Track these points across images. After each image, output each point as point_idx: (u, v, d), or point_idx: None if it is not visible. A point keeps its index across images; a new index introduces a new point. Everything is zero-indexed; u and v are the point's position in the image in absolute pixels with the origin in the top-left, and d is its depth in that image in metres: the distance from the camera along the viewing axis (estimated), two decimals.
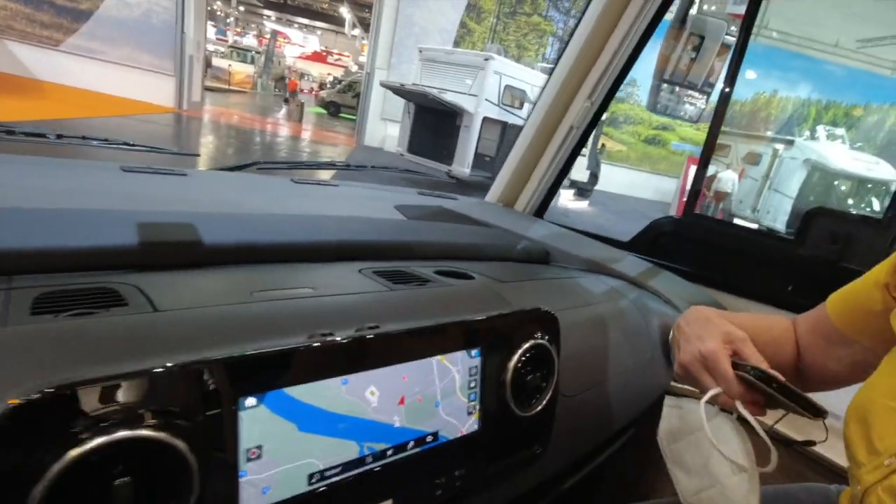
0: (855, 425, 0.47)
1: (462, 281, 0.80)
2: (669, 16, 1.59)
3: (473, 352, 0.54)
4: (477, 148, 8.86)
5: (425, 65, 9.54)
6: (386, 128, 12.43)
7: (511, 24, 12.43)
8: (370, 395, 0.46)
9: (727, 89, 1.55)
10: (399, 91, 8.97)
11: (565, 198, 9.59)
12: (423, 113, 9.29)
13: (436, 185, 1.95)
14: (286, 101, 17.84)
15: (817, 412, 0.46)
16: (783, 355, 0.63)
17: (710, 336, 0.54)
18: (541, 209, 1.69)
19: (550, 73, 1.58)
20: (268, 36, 27.36)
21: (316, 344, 0.42)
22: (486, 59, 8.72)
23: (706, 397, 0.51)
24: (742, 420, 0.51)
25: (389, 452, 0.48)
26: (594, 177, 10.06)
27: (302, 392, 0.41)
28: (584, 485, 0.92)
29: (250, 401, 0.39)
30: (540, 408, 0.60)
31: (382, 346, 0.47)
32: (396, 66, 12.00)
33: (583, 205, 9.83)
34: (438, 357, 0.51)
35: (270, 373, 0.40)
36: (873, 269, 0.57)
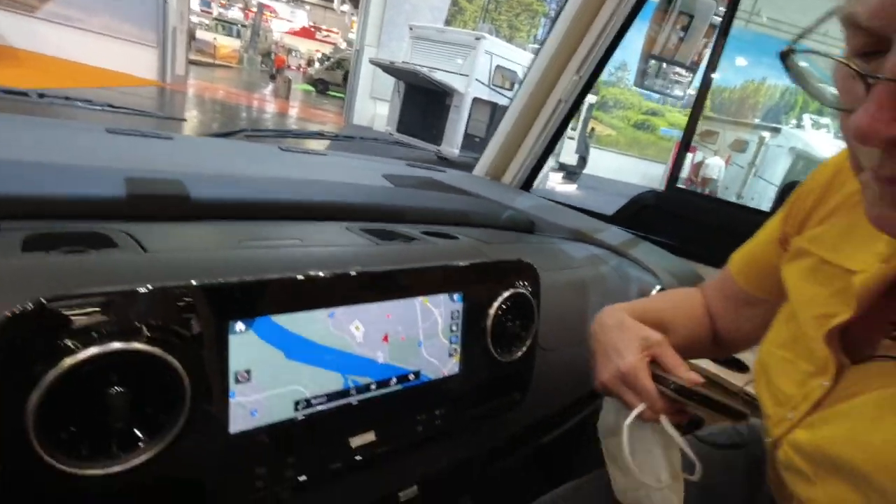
0: (760, 380, 0.48)
1: (447, 240, 0.82)
2: None
3: (456, 296, 0.56)
4: (467, 129, 8.81)
5: (416, 43, 9.39)
6: (375, 107, 12.28)
7: (503, 3, 12.27)
8: (355, 329, 0.48)
9: (710, 72, 1.57)
10: (389, 69, 8.84)
11: (554, 180, 9.62)
12: (412, 92, 9.19)
13: (425, 160, 1.95)
14: (272, 77, 17.50)
15: (739, 415, 0.46)
16: (701, 329, 0.63)
17: (626, 348, 0.51)
18: (528, 182, 1.71)
19: (541, 47, 1.58)
20: (254, 9, 26.66)
21: (302, 277, 0.44)
22: (478, 39, 8.62)
23: (629, 420, 0.49)
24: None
25: (373, 387, 0.50)
26: (583, 160, 10.09)
27: (289, 321, 0.43)
28: (564, 441, 0.96)
29: (240, 325, 0.40)
30: (519, 355, 0.63)
31: (367, 284, 0.49)
32: (386, 44, 11.81)
33: (571, 188, 9.87)
34: (422, 298, 0.53)
35: (259, 300, 0.41)
36: (767, 225, 0.57)
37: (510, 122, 1.65)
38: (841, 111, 0.31)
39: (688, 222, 1.51)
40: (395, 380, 0.52)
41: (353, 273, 0.48)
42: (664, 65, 1.62)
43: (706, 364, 1.14)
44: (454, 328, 0.57)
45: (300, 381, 0.44)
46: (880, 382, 0.37)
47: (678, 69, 1.66)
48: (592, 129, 12.32)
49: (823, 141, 9.56)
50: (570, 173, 10.07)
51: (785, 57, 0.32)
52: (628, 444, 0.49)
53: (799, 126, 10.35)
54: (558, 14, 1.50)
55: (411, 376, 0.53)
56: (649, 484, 0.50)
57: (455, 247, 0.79)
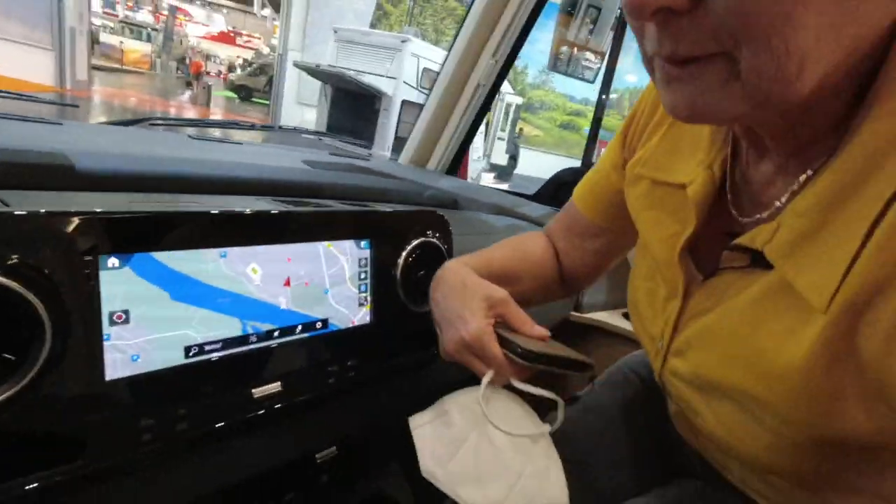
0: (634, 317, 0.49)
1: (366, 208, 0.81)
2: None
3: (362, 243, 0.55)
4: (397, 131, 8.79)
5: (341, 46, 9.26)
6: (302, 113, 11.96)
7: (428, 7, 12.41)
8: (252, 272, 0.45)
9: (613, 64, 1.67)
10: (314, 72, 8.65)
11: (486, 180, 9.83)
12: (340, 96, 9.04)
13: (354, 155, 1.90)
14: (189, 83, 16.57)
15: (584, 367, 0.46)
16: (548, 272, 0.62)
17: (470, 313, 0.47)
18: (452, 167, 1.73)
19: (457, 33, 1.61)
20: (165, 12, 25.15)
21: (187, 212, 0.41)
22: (404, 42, 8.63)
23: (482, 389, 0.45)
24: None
25: (276, 334, 0.48)
26: (513, 160, 10.39)
27: (173, 259, 0.40)
28: None
29: (112, 261, 0.37)
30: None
31: (262, 224, 0.47)
32: (311, 48, 11.57)
33: (503, 186, 10.12)
34: (325, 243, 0.51)
35: (135, 234, 0.38)
36: (606, 153, 0.57)
37: (432, 108, 1.67)
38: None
39: None
40: (300, 327, 0.50)
41: (247, 212, 0.46)
42: (575, 50, 1.71)
43: (600, 315, 1.18)
44: (363, 276, 0.56)
45: (190, 324, 0.42)
46: (728, 294, 0.37)
47: (589, 55, 1.75)
48: (521, 129, 12.73)
49: None
50: (503, 173, 10.32)
51: None
52: (489, 411, 0.45)
53: None
54: (470, 5, 1.54)
55: (319, 324, 0.52)
56: (523, 455, 0.45)
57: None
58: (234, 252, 0.44)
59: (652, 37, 0.30)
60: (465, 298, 0.49)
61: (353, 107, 8.87)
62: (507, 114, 10.05)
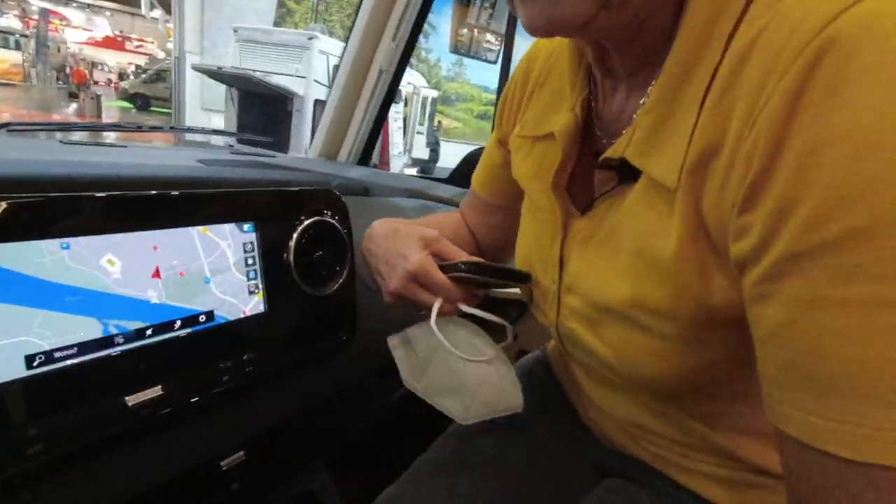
0: (527, 267, 0.50)
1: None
2: None
3: (246, 226, 0.51)
4: (313, 133, 8.52)
5: (244, 46, 8.79)
6: (210, 119, 11.24)
7: (334, 3, 12.10)
8: (108, 264, 0.40)
9: (509, 49, 1.71)
10: (217, 75, 8.16)
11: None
12: (249, 99, 8.59)
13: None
14: (74, 95, 15.05)
15: (524, 277, 0.49)
16: (467, 245, 0.65)
17: (409, 249, 0.50)
18: (364, 157, 1.69)
19: (354, 20, 1.57)
20: (35, 16, 22.56)
21: (10, 198, 0.36)
22: (311, 39, 8.34)
23: (433, 316, 0.48)
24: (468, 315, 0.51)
25: (149, 332, 0.43)
26: (434, 153, 10.43)
27: None
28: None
29: None
30: (335, 288, 0.60)
31: (116, 210, 0.42)
32: (210, 50, 10.89)
33: None
34: (199, 228, 0.47)
35: None
36: (491, 136, 0.60)
37: (336, 98, 1.61)
38: None
39: None
40: (179, 322, 0.45)
41: (97, 195, 0.40)
42: (476, 32, 1.73)
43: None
44: (250, 261, 0.51)
45: (30, 329, 0.36)
46: (608, 215, 0.40)
47: (489, 37, 1.78)
48: (439, 122, 12.81)
49: None
50: (425, 167, 10.35)
51: None
52: (444, 337, 0.48)
53: None
54: None
55: (203, 317, 0.47)
56: (481, 374, 0.49)
57: None
58: (80, 243, 0.39)
59: None
60: (400, 241, 0.51)
61: (264, 110, 8.45)
62: (424, 108, 10.05)
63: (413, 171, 10.12)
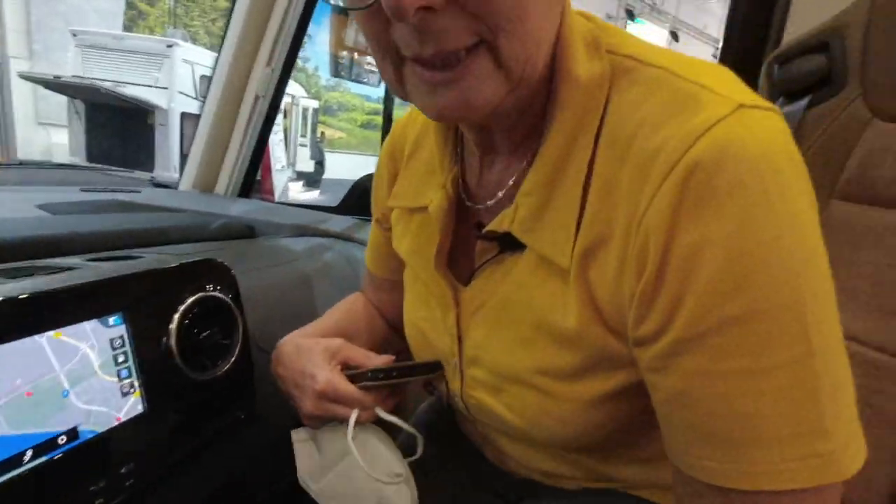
0: (423, 349, 0.50)
1: (121, 262, 0.66)
2: None
3: (111, 319, 0.44)
4: (182, 148, 7.80)
5: (88, 52, 7.76)
6: (49, 135, 9.74)
7: (194, 7, 11.18)
8: None
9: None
10: (53, 85, 7.11)
11: (295, 190, 9.38)
12: (98, 112, 7.61)
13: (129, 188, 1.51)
14: None
15: (435, 367, 0.48)
16: (378, 326, 0.64)
17: (314, 366, 0.49)
18: (245, 188, 1.57)
19: (222, 41, 1.46)
20: None
21: None
22: (171, 47, 7.64)
23: (350, 432, 0.47)
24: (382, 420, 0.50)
25: None
26: (320, 165, 10.14)
27: None
28: None
29: None
30: (228, 367, 0.54)
31: None
32: (43, 56, 9.44)
33: (314, 194, 9.79)
34: (50, 334, 0.39)
35: None
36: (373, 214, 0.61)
37: (208, 126, 1.49)
38: (363, 9, 0.30)
39: None
40: (30, 453, 0.37)
41: None
42: (356, 55, 1.69)
43: None
44: (122, 359, 0.45)
45: None
46: (494, 285, 0.41)
47: (370, 59, 1.76)
48: (323, 133, 12.46)
49: None
50: (311, 180, 10.00)
51: None
52: (361, 457, 0.46)
53: None
54: (233, 6, 1.40)
55: (62, 439, 0.40)
56: (387, 491, 0.47)
57: (128, 267, 0.64)
58: None
59: (409, 40, 0.30)
60: (304, 359, 0.50)
61: (118, 125, 7.53)
62: (305, 119, 9.71)
63: (299, 185, 9.69)
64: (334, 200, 1.61)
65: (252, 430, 0.60)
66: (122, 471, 0.44)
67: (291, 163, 9.64)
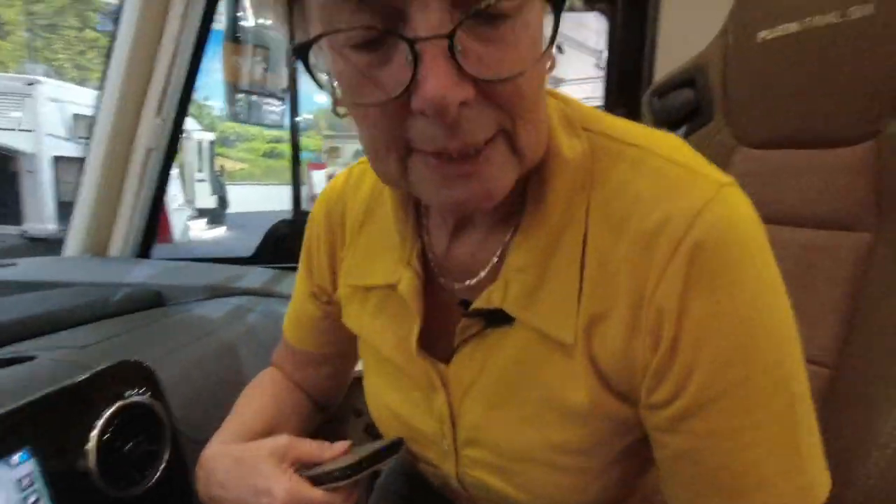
0: (388, 422, 0.48)
1: (11, 368, 0.58)
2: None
3: (15, 457, 0.39)
4: (59, 195, 7.01)
5: None
6: None
7: (56, 40, 10.14)
8: None
9: (294, 97, 1.68)
10: None
11: (198, 229, 8.77)
12: None
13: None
14: None
15: (397, 446, 0.46)
16: (301, 405, 0.59)
17: (266, 479, 0.42)
18: (144, 247, 1.45)
19: (101, 89, 1.34)
20: None
21: None
22: (31, 84, 6.87)
23: None
24: None
25: None
26: (222, 200, 9.60)
27: None
28: None
29: None
30: (158, 474, 0.50)
31: None
32: None
33: (219, 231, 9.22)
34: None
35: None
36: (298, 285, 0.57)
37: (94, 183, 1.35)
38: (378, 105, 0.29)
39: None
40: None
41: None
42: (254, 97, 1.63)
43: None
44: (33, 498, 0.40)
45: None
46: (481, 362, 0.40)
47: (269, 99, 1.70)
48: (222, 166, 11.80)
49: None
50: (215, 217, 9.43)
51: (304, 56, 0.30)
52: None
53: None
54: (109, 54, 1.29)
55: None
56: None
57: (26, 375, 0.56)
58: None
59: (434, 134, 0.29)
60: (249, 472, 0.43)
61: None
62: (200, 153, 9.16)
63: (202, 223, 9.07)
64: (244, 237, 1.53)
65: None
66: None
67: (189, 199, 9.00)
